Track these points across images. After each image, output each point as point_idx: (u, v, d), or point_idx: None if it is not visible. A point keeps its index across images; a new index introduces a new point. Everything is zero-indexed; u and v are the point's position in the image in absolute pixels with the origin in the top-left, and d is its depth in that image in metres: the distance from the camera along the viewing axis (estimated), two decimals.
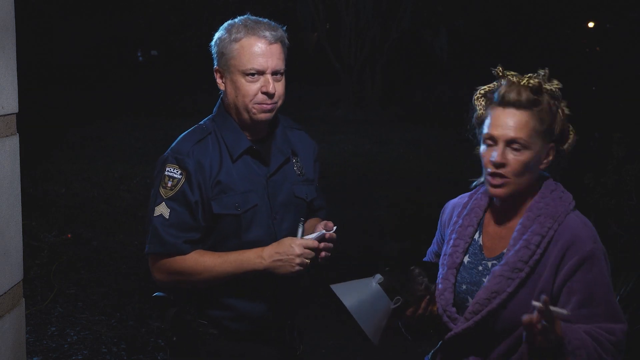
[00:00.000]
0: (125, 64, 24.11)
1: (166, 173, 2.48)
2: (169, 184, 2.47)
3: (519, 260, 2.15)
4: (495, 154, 2.16)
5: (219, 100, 2.61)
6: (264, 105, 2.50)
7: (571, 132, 2.25)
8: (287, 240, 2.42)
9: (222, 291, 2.52)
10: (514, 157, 2.15)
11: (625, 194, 5.50)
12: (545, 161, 2.21)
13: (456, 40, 21.47)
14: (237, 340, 2.56)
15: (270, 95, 2.49)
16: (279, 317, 2.61)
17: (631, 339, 4.34)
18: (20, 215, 2.60)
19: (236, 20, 2.55)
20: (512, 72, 2.23)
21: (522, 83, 2.18)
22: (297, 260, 2.39)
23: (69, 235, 6.92)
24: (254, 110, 2.50)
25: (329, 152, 12.27)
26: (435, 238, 2.52)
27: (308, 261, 2.41)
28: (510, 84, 2.19)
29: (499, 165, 2.15)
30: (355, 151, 12.48)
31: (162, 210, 2.46)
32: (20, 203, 2.61)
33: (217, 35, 2.56)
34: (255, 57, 2.46)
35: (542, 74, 2.20)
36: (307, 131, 2.78)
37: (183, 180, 2.46)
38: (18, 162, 2.58)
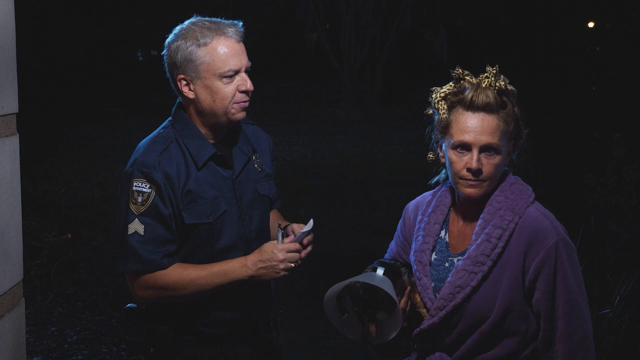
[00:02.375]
0: (125, 64, 24.10)
1: (134, 188, 2.40)
2: (139, 199, 2.39)
3: (481, 254, 2.15)
4: (472, 161, 2.16)
5: (175, 105, 2.55)
6: (243, 104, 2.46)
7: (521, 127, 2.27)
8: (269, 247, 2.38)
9: (196, 299, 2.48)
10: (488, 162, 2.16)
11: (625, 194, 5.50)
12: (508, 158, 2.26)
13: (456, 41, 21.46)
14: (213, 344, 2.53)
15: (248, 93, 2.46)
16: (252, 319, 2.60)
17: (631, 338, 4.33)
18: (20, 215, 2.60)
19: (188, 24, 2.48)
20: (467, 72, 2.23)
21: (484, 85, 2.17)
22: (282, 266, 2.36)
23: (69, 235, 6.91)
24: (232, 111, 2.45)
25: (329, 152, 12.26)
26: (394, 240, 2.52)
27: (292, 265, 2.38)
28: (476, 87, 2.18)
29: (477, 172, 2.16)
30: (355, 151, 12.47)
31: (137, 227, 2.39)
32: (20, 203, 2.60)
33: (172, 43, 2.46)
34: (230, 58, 2.41)
35: (495, 72, 2.20)
36: (303, 128, 2.76)
37: (153, 193, 2.38)
38: (18, 162, 2.58)
